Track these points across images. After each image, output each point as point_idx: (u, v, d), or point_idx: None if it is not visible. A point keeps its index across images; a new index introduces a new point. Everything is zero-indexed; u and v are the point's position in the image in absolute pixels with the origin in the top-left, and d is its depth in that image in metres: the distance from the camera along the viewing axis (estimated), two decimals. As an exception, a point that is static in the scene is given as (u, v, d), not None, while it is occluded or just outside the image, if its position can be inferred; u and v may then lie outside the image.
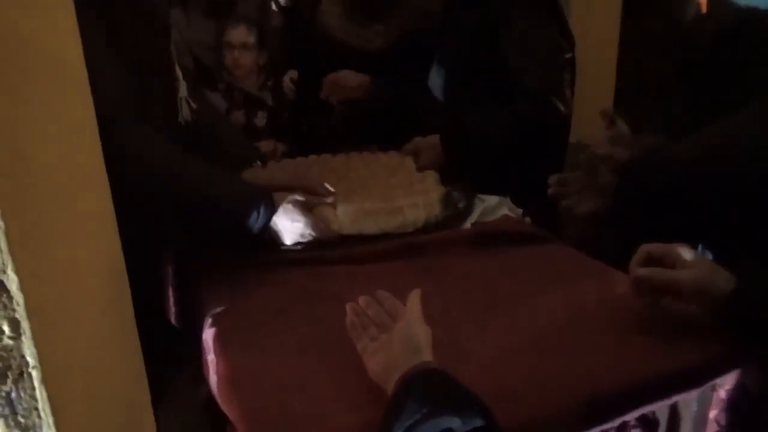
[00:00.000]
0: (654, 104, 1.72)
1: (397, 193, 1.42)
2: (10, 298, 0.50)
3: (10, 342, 0.50)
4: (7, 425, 0.52)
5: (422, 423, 0.70)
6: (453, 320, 1.05)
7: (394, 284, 0.95)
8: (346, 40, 1.76)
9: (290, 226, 1.25)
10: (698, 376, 0.95)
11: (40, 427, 0.53)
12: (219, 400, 0.94)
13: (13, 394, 0.51)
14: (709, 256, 1.33)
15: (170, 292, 1.43)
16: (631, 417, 0.92)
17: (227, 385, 0.93)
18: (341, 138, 2.06)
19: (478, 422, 0.70)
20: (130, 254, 0.78)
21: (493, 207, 1.47)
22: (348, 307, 0.94)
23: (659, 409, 0.95)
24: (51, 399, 0.53)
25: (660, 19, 1.73)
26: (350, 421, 0.81)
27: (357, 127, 2.04)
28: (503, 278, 1.21)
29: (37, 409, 0.52)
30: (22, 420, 0.52)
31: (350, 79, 1.91)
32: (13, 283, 0.50)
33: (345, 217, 1.33)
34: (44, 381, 0.52)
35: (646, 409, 0.94)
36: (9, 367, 0.51)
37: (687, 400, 0.97)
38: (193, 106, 1.33)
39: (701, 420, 0.99)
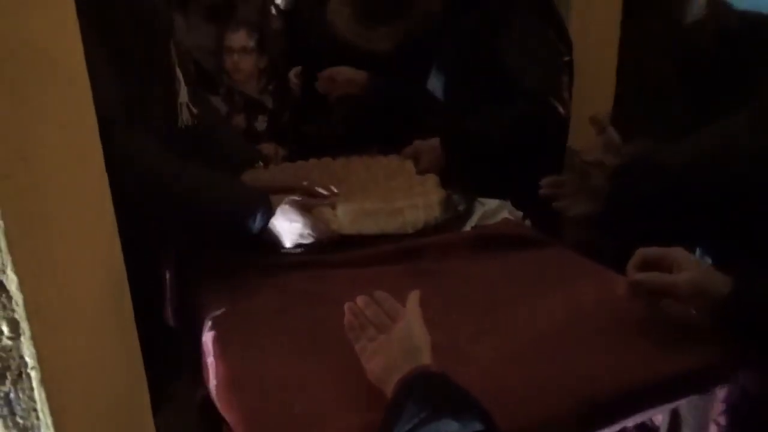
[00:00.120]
0: (654, 106, 1.72)
1: (396, 195, 1.42)
2: (10, 298, 0.50)
3: (9, 342, 0.50)
4: (6, 426, 0.52)
5: (421, 426, 0.69)
6: (453, 323, 1.04)
7: (394, 287, 0.95)
8: (352, 41, 1.76)
9: (289, 227, 1.24)
10: (699, 379, 0.95)
11: (39, 428, 0.53)
12: (218, 403, 0.94)
13: (12, 395, 0.51)
14: (707, 259, 1.33)
15: (169, 295, 1.43)
16: (631, 421, 0.92)
17: (227, 387, 0.93)
18: (341, 139, 2.06)
19: (477, 426, 0.70)
20: (129, 257, 0.78)
21: (493, 210, 1.46)
22: (346, 307, 0.93)
23: (660, 413, 0.95)
24: (50, 400, 0.53)
25: (660, 20, 1.73)
26: (350, 424, 0.81)
27: (357, 129, 2.04)
28: (503, 281, 1.21)
29: (35, 410, 0.52)
30: (20, 421, 0.52)
31: (345, 73, 1.91)
32: (12, 283, 0.50)
33: (344, 217, 1.33)
34: (43, 382, 0.52)
35: (646, 414, 0.94)
36: (8, 368, 0.50)
37: (687, 403, 0.97)
38: (194, 111, 1.33)
39: (702, 422, 0.99)
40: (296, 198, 1.27)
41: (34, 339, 0.51)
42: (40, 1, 0.59)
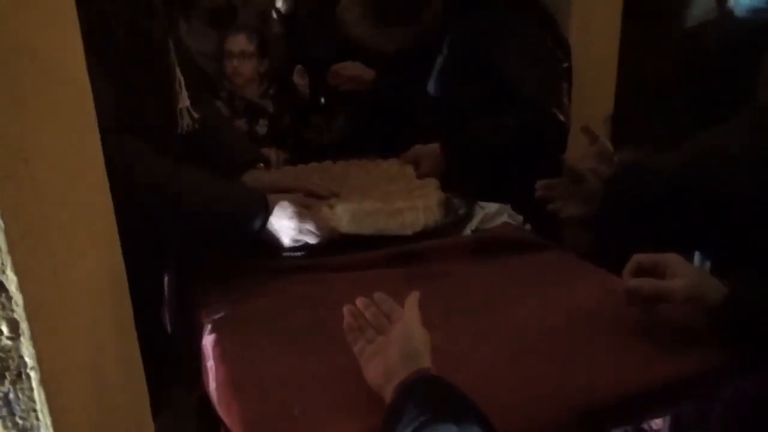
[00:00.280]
0: (654, 108, 1.72)
1: (396, 197, 1.42)
2: (9, 298, 0.50)
3: (9, 342, 0.50)
4: (5, 426, 0.52)
5: (421, 430, 0.69)
6: (452, 326, 1.04)
7: (394, 290, 0.95)
8: (361, 40, 1.77)
9: (287, 225, 1.23)
10: (698, 382, 0.95)
11: (38, 429, 0.53)
12: (218, 407, 0.94)
13: (11, 395, 0.51)
14: (706, 262, 1.33)
15: (168, 298, 1.43)
16: (631, 425, 0.92)
17: (227, 391, 0.92)
18: (342, 143, 2.07)
19: (477, 430, 0.70)
20: (128, 260, 0.78)
21: (493, 214, 1.46)
22: (345, 309, 0.93)
23: (659, 416, 0.94)
24: (49, 400, 0.52)
25: (661, 23, 1.74)
26: (350, 427, 0.81)
27: (358, 133, 2.05)
28: (503, 285, 1.21)
29: (35, 410, 0.52)
30: (20, 421, 0.52)
31: (353, 68, 1.93)
32: (12, 283, 0.50)
33: (343, 215, 1.32)
34: (43, 382, 0.52)
35: (646, 417, 0.94)
36: (7, 368, 0.50)
37: (687, 406, 0.96)
38: (195, 115, 1.33)
39: (701, 425, 0.99)
40: (295, 196, 1.27)
41: (34, 339, 0.51)
42: (41, 3, 0.60)
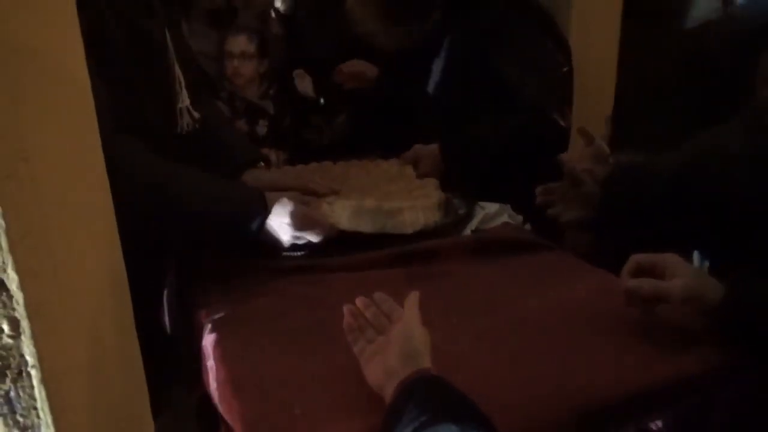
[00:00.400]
0: (654, 109, 1.72)
1: (396, 196, 1.42)
2: (10, 296, 0.50)
3: (10, 341, 0.50)
4: (6, 424, 0.52)
5: (421, 430, 0.69)
6: (452, 326, 1.04)
7: (394, 291, 0.95)
8: (372, 38, 1.76)
9: (285, 223, 1.21)
10: (698, 382, 0.95)
11: (39, 427, 0.53)
12: (219, 406, 0.94)
13: (12, 393, 0.51)
14: (705, 262, 1.33)
15: (168, 298, 1.43)
16: (632, 425, 0.92)
17: (227, 390, 0.93)
18: (342, 141, 2.07)
19: (477, 430, 0.70)
20: (127, 260, 0.78)
21: (493, 214, 1.47)
22: (345, 309, 0.93)
23: (659, 416, 0.94)
24: (50, 398, 0.53)
25: (661, 23, 1.74)
26: (350, 427, 0.81)
27: (358, 134, 2.05)
28: (503, 285, 1.21)
29: (36, 408, 0.52)
30: (20, 419, 0.52)
31: (358, 64, 1.93)
32: (13, 282, 0.50)
33: (343, 212, 1.32)
34: (43, 380, 0.52)
35: (646, 417, 0.93)
36: (8, 366, 0.51)
37: (686, 406, 0.96)
38: (195, 115, 1.33)
39: (701, 425, 0.99)
40: (294, 194, 1.27)
41: (35, 338, 0.51)
42: (41, 3, 0.60)
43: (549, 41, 1.73)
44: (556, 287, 1.19)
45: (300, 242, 1.25)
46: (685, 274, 0.95)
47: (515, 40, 1.66)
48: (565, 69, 1.74)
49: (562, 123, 1.64)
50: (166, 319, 1.43)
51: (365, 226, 1.33)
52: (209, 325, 1.08)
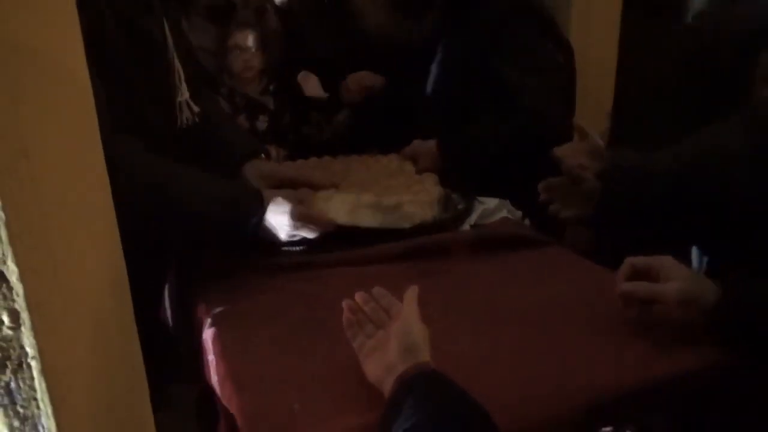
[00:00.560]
0: (654, 107, 1.72)
1: (395, 191, 1.42)
2: (10, 288, 0.50)
3: (10, 332, 0.51)
4: (7, 415, 0.52)
5: (420, 424, 0.69)
6: (451, 322, 1.04)
7: (393, 286, 0.95)
8: (380, 31, 1.76)
9: (282, 220, 1.22)
10: (696, 380, 0.95)
11: (39, 418, 0.53)
12: (221, 398, 0.94)
13: (13, 385, 0.52)
14: (704, 259, 1.34)
15: (168, 293, 1.43)
16: (630, 422, 0.92)
17: (227, 386, 0.93)
18: (342, 138, 2.07)
19: (476, 425, 0.70)
20: (127, 256, 0.79)
21: (492, 209, 1.47)
22: (344, 304, 0.93)
23: (657, 413, 0.95)
24: (50, 390, 0.53)
25: (661, 21, 1.74)
26: (350, 422, 0.81)
27: (358, 131, 2.05)
28: (502, 281, 1.22)
29: (36, 399, 0.53)
30: (21, 410, 0.52)
31: (366, 78, 1.93)
32: (13, 274, 0.50)
33: (341, 207, 1.32)
34: (43, 372, 0.52)
35: (647, 415, 0.94)
36: (8, 357, 0.51)
37: (683, 404, 0.97)
38: (195, 109, 1.33)
39: (697, 424, 0.99)
40: (290, 191, 1.27)
41: (35, 329, 0.51)
42: (41, 2, 0.60)
43: (549, 42, 1.73)
44: (555, 284, 1.19)
45: (297, 239, 1.25)
46: (680, 276, 0.96)
47: (515, 40, 1.66)
48: (565, 71, 1.74)
49: (561, 124, 1.63)
50: (166, 314, 1.43)
51: (364, 221, 1.33)
52: (209, 320, 1.08)
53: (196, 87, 1.36)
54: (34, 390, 0.52)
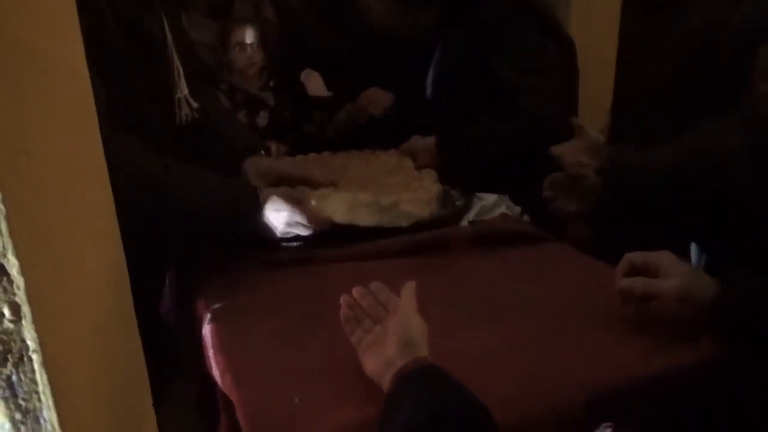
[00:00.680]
0: (653, 107, 1.72)
1: (393, 189, 1.42)
2: (11, 281, 0.50)
3: (11, 326, 0.51)
4: (8, 408, 0.53)
5: (420, 419, 0.70)
6: (450, 317, 1.05)
7: (392, 282, 0.95)
8: (384, 22, 1.75)
9: (279, 216, 1.22)
10: (694, 375, 0.95)
11: (41, 411, 0.54)
12: (223, 389, 0.94)
13: (14, 378, 0.52)
14: (703, 256, 1.34)
15: (168, 288, 1.44)
16: (629, 417, 0.92)
17: (227, 380, 0.93)
18: (343, 134, 2.07)
19: (475, 419, 0.70)
20: (127, 251, 0.79)
21: (491, 205, 1.47)
22: (342, 300, 0.93)
23: (655, 407, 0.95)
24: (51, 382, 0.53)
25: (661, 20, 1.74)
26: (350, 416, 0.82)
27: (358, 130, 2.05)
28: (501, 276, 1.22)
29: (37, 392, 0.53)
30: (22, 403, 0.53)
31: (379, 96, 1.93)
32: (13, 267, 0.50)
33: (339, 206, 1.32)
34: (45, 364, 0.53)
35: (647, 410, 0.94)
36: (9, 351, 0.51)
37: (682, 399, 0.97)
38: (194, 105, 1.33)
39: (695, 419, 0.99)
40: (285, 189, 1.27)
41: (36, 323, 0.52)
42: (42, 1, 0.60)
43: (550, 41, 1.73)
44: (554, 279, 1.19)
45: (292, 235, 1.26)
46: (678, 273, 0.96)
47: (515, 40, 1.66)
48: (565, 69, 1.74)
49: (561, 125, 1.63)
50: (166, 310, 1.43)
51: (362, 220, 1.33)
52: (208, 316, 1.08)
53: (196, 83, 1.35)
54: (36, 383, 0.53)
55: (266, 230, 1.23)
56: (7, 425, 0.53)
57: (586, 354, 0.95)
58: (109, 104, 0.98)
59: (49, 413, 0.53)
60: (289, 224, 1.22)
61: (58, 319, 0.56)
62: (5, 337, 0.51)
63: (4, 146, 0.52)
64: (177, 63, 1.28)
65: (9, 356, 0.51)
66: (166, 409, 1.03)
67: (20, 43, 0.55)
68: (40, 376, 0.52)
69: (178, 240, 1.24)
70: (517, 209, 1.48)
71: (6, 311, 0.50)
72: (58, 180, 0.61)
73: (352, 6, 1.87)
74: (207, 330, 1.06)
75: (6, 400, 0.52)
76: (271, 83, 2.31)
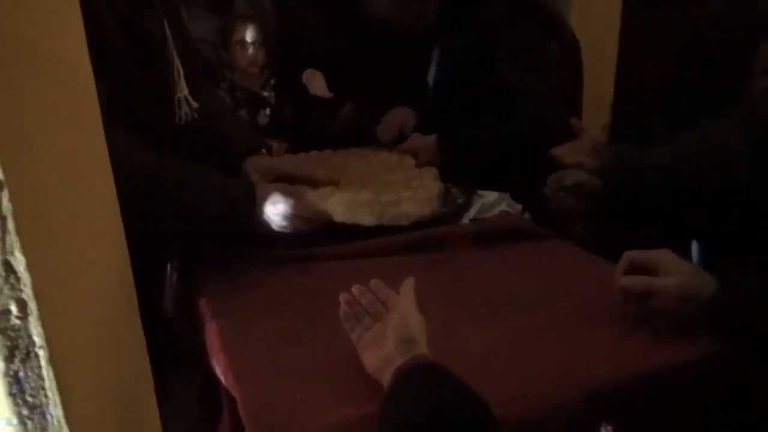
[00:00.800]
0: (653, 106, 1.72)
1: (394, 187, 1.42)
2: (18, 278, 0.51)
3: (18, 322, 0.51)
4: (16, 404, 0.53)
5: (420, 416, 0.70)
6: (450, 315, 1.05)
7: (392, 279, 0.95)
8: (387, 15, 1.74)
9: (277, 216, 1.22)
10: (694, 372, 0.96)
11: (48, 406, 0.54)
12: (226, 384, 0.95)
13: (21, 374, 0.52)
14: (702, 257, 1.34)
15: (170, 286, 1.44)
16: (628, 414, 0.93)
17: (228, 377, 0.94)
18: (345, 133, 2.07)
19: (475, 416, 0.71)
20: (130, 249, 0.79)
21: (492, 203, 1.47)
22: (342, 297, 0.94)
23: (656, 404, 0.95)
24: (58, 378, 0.54)
25: (661, 19, 1.74)
26: (350, 413, 0.82)
27: (359, 130, 2.05)
28: (501, 273, 1.22)
29: (44, 388, 0.53)
30: (29, 399, 0.53)
31: (403, 119, 1.91)
32: (20, 264, 0.51)
33: (339, 204, 1.32)
34: (51, 361, 0.53)
35: (647, 407, 0.94)
36: (16, 347, 0.52)
37: (681, 396, 0.97)
38: (194, 104, 1.34)
39: (695, 416, 1.00)
40: (283, 185, 1.27)
41: (42, 319, 0.52)
42: (43, 3, 0.60)
43: (552, 41, 1.73)
44: (555, 275, 1.20)
45: (291, 232, 1.26)
46: (678, 271, 0.96)
47: (515, 40, 1.66)
48: (567, 69, 1.74)
49: (562, 125, 1.63)
50: (168, 308, 1.43)
51: (362, 219, 1.33)
52: (210, 313, 1.09)
53: (196, 82, 1.36)
54: (42, 379, 0.53)
55: (265, 227, 1.23)
56: (15, 421, 0.54)
57: (586, 352, 0.95)
58: (109, 104, 0.98)
59: (56, 409, 0.54)
60: (287, 218, 1.22)
61: (64, 315, 0.57)
62: (12, 334, 0.51)
63: (9, 144, 0.52)
64: (177, 63, 1.28)
65: (16, 352, 0.51)
66: (168, 404, 1.04)
67: (23, 42, 0.55)
68: (47, 372, 0.53)
69: (178, 239, 1.25)
70: (518, 206, 1.49)
71: (13, 308, 0.51)
72: (62, 177, 0.61)
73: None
74: (208, 328, 1.07)
75: (13, 396, 0.52)
76: (273, 81, 2.31)
